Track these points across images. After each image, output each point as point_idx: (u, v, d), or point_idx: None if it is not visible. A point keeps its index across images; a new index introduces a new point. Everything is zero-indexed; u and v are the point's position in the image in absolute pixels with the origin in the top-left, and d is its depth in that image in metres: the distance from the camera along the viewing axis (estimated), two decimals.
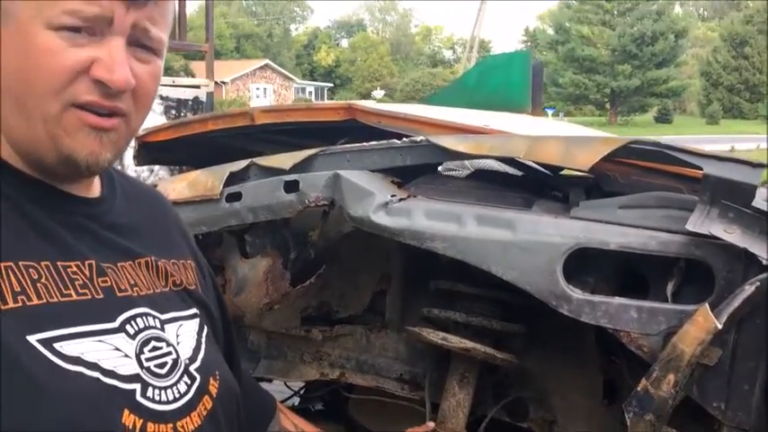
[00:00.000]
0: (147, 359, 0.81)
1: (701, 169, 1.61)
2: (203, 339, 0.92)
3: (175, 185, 2.27)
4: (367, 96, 52.46)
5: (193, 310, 0.93)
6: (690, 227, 1.55)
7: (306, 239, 2.28)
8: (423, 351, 2.19)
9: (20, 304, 0.71)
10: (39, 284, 0.74)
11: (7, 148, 0.79)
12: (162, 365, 0.82)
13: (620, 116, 43.60)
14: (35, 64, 0.74)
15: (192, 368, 0.87)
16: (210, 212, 2.18)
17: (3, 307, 0.70)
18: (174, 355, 0.85)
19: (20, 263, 0.73)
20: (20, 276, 0.73)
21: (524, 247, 1.69)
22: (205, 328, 0.94)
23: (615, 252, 1.66)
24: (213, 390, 0.89)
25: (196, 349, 0.89)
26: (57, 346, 0.72)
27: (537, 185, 2.11)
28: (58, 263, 0.77)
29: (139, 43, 0.78)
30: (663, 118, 42.24)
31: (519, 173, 2.34)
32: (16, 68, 0.74)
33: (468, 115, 2.53)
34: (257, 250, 2.29)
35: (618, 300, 1.64)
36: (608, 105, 44.51)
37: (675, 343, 1.51)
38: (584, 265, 1.73)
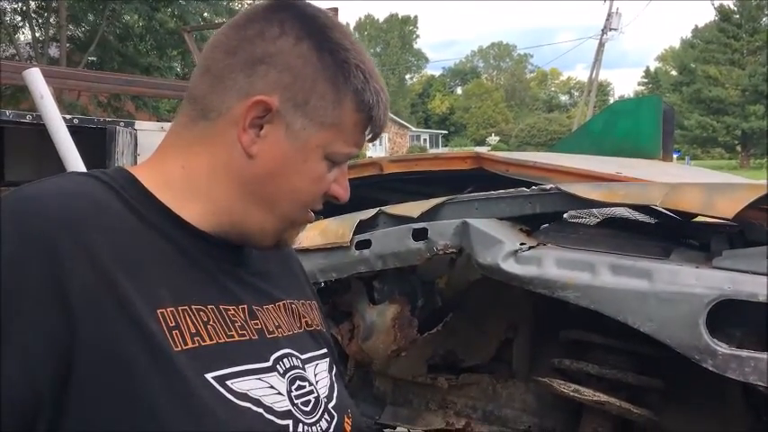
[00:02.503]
0: (296, 397, 0.86)
1: None
2: (334, 378, 0.97)
3: (308, 233, 2.36)
4: (481, 143, 52.43)
5: (323, 350, 0.99)
6: None
7: (433, 287, 2.30)
8: (552, 403, 2.14)
9: (196, 345, 0.78)
10: (209, 326, 0.81)
11: (190, 208, 0.86)
12: (307, 403, 0.87)
13: (753, 159, 41.18)
14: (305, 184, 0.88)
15: (330, 406, 0.92)
16: (341, 259, 2.25)
17: (183, 347, 0.77)
18: (315, 394, 0.90)
19: (192, 306, 0.81)
20: (194, 318, 0.80)
21: (664, 297, 1.64)
22: (334, 367, 0.99)
23: (764, 304, 1.57)
24: (347, 427, 0.94)
25: (331, 388, 0.95)
26: (228, 383, 0.79)
27: (672, 233, 2.04)
28: (221, 306, 0.84)
29: None
30: None
31: (652, 220, 2.27)
32: (279, 174, 0.87)
33: (597, 162, 2.49)
34: (385, 297, 2.34)
35: None
36: (739, 148, 42.18)
37: None
38: (728, 317, 1.65)
